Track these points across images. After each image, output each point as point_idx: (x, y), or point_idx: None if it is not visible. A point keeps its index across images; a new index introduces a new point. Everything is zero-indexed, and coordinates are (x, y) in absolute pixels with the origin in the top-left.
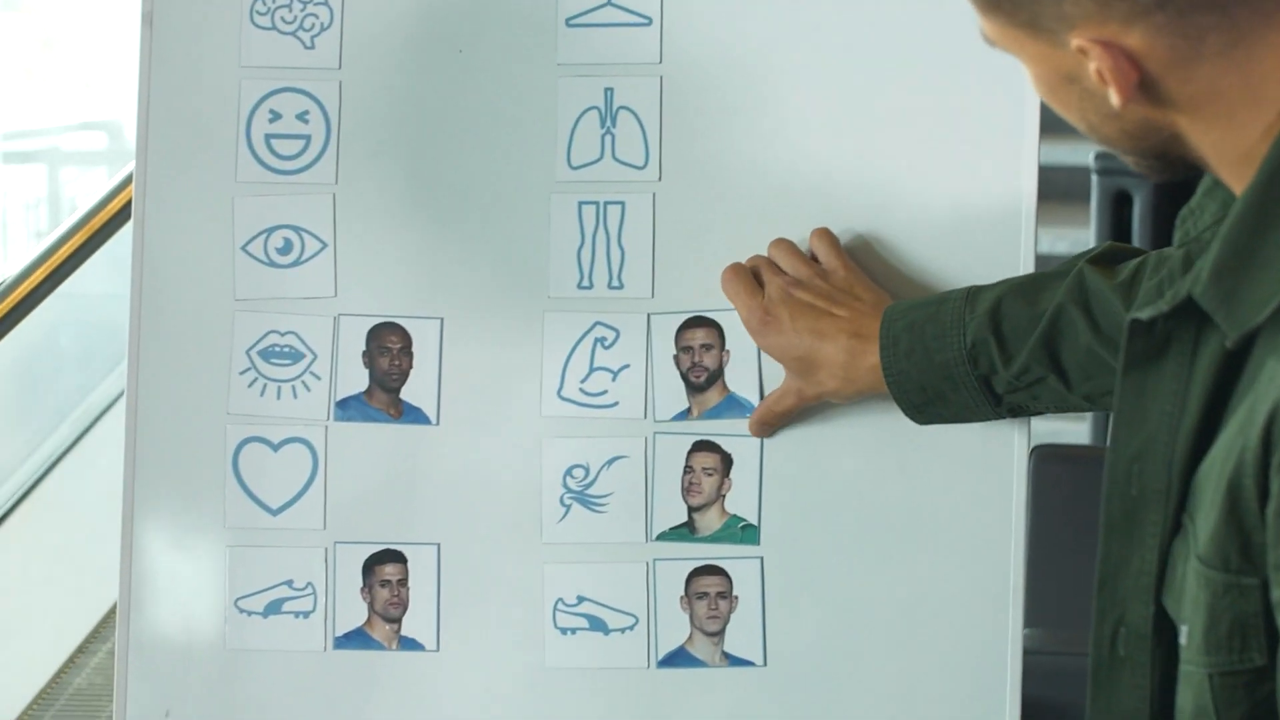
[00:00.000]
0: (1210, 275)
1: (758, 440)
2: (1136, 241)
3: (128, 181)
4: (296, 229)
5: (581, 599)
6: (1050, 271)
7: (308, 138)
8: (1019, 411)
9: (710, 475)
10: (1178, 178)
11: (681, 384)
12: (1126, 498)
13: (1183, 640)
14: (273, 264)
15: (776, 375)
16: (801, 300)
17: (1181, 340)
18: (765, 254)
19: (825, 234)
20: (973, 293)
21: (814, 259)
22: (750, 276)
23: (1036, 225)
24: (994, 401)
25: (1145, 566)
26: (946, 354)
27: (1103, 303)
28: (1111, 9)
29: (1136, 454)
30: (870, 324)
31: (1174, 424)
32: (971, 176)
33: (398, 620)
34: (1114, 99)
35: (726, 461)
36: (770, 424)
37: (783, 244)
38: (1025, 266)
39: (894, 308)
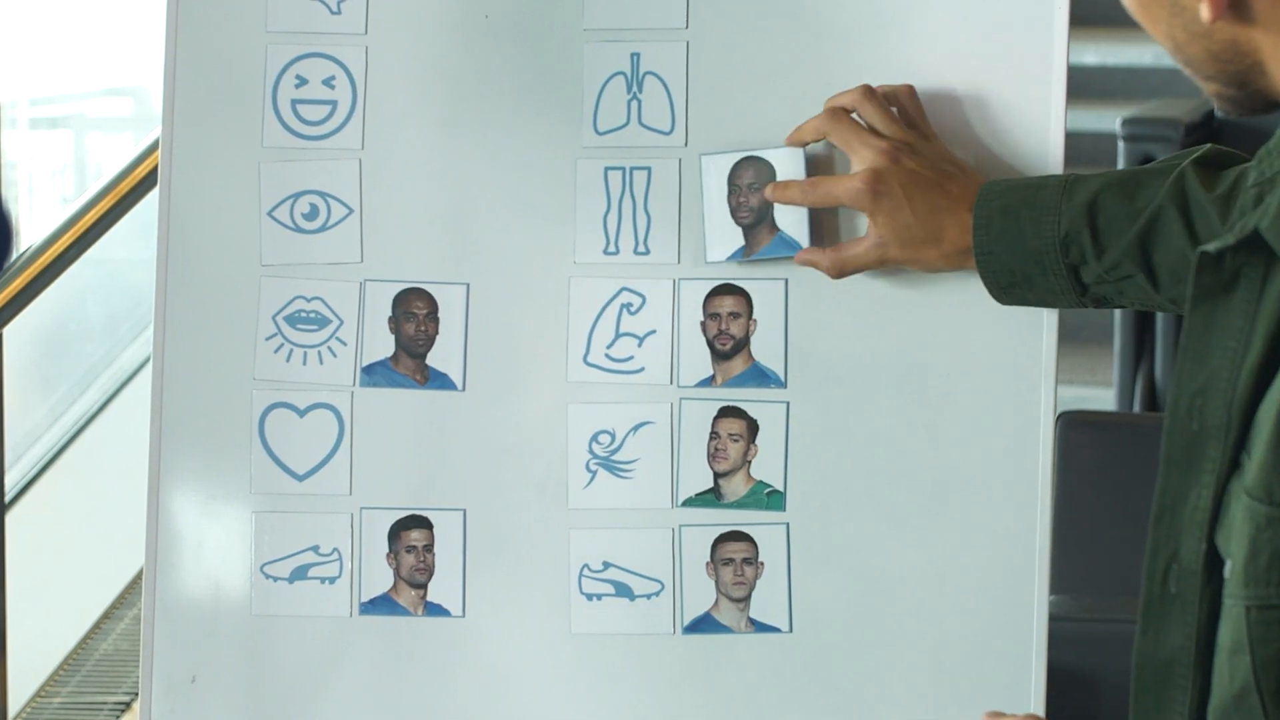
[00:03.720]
0: (1277, 209)
1: (783, 406)
2: None
3: (154, 147)
4: (322, 194)
5: (607, 565)
6: (1150, 167)
7: (334, 103)
8: (1103, 303)
9: (736, 441)
10: (1255, 114)
11: (706, 351)
12: (1187, 433)
13: (1226, 574)
14: (299, 229)
15: (801, 346)
16: (909, 167)
17: (1250, 277)
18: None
19: (914, 94)
20: (1070, 182)
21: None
22: (863, 128)
23: None
24: (1079, 291)
25: (1201, 503)
26: (1039, 240)
27: (1201, 212)
28: None
29: (1200, 389)
30: (974, 199)
31: (1237, 360)
32: (1000, 142)
33: (424, 586)
34: (1205, 13)
35: (752, 428)
36: (846, 273)
37: (873, 100)
38: None
39: (989, 188)
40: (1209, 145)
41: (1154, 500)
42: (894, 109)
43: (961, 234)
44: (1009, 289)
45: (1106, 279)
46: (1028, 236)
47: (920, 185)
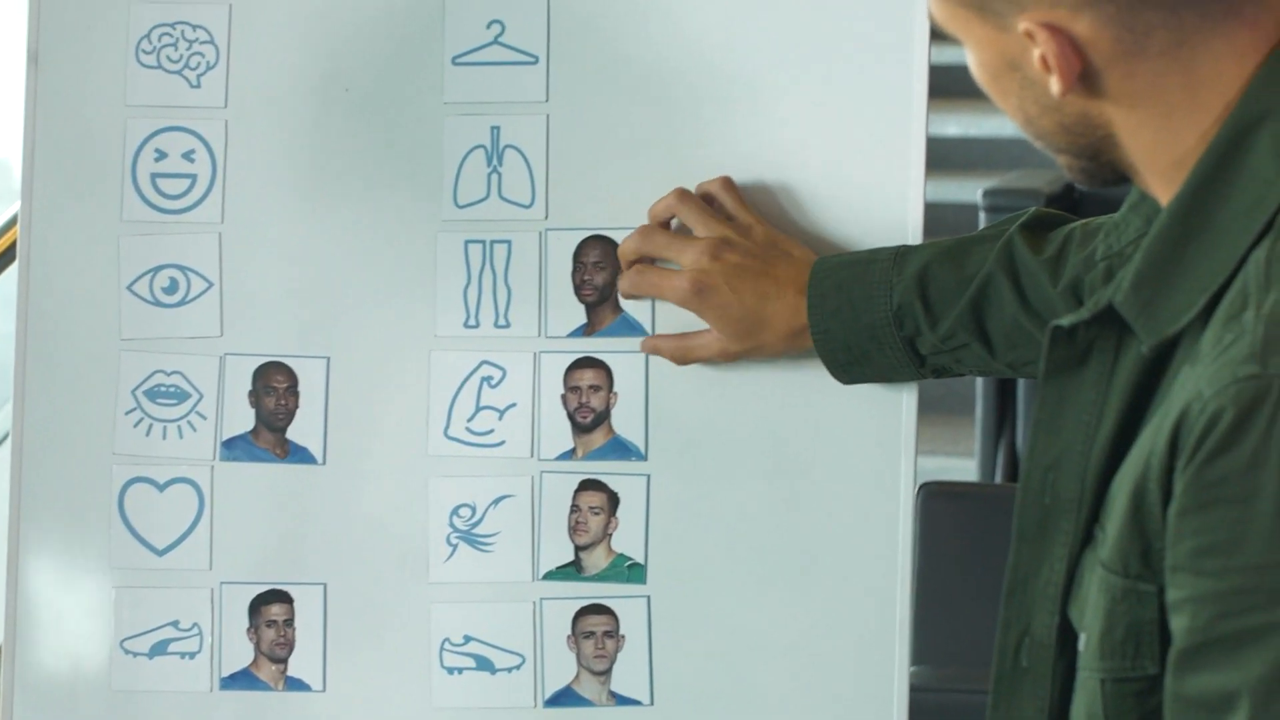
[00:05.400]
0: (1131, 283)
1: (644, 479)
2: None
3: (13, 221)
4: (182, 268)
5: (468, 638)
6: (978, 235)
7: (194, 176)
8: (943, 373)
9: (597, 514)
10: (1106, 185)
11: (567, 423)
12: (1040, 506)
13: (1081, 647)
14: (158, 303)
15: (662, 419)
16: (733, 261)
17: (1103, 350)
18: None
19: (731, 185)
20: (900, 254)
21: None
22: (678, 235)
23: None
24: (918, 363)
25: (1053, 576)
26: (873, 315)
27: (1030, 276)
28: None
29: (1053, 462)
30: (805, 279)
31: (1090, 433)
32: (860, 214)
33: (284, 660)
34: (1055, 87)
35: (613, 500)
36: (688, 363)
37: (689, 201)
38: None
39: (821, 265)
40: (1034, 209)
41: (1006, 574)
42: (723, 203)
43: (794, 315)
44: (848, 366)
45: (942, 348)
46: (861, 312)
47: (746, 275)
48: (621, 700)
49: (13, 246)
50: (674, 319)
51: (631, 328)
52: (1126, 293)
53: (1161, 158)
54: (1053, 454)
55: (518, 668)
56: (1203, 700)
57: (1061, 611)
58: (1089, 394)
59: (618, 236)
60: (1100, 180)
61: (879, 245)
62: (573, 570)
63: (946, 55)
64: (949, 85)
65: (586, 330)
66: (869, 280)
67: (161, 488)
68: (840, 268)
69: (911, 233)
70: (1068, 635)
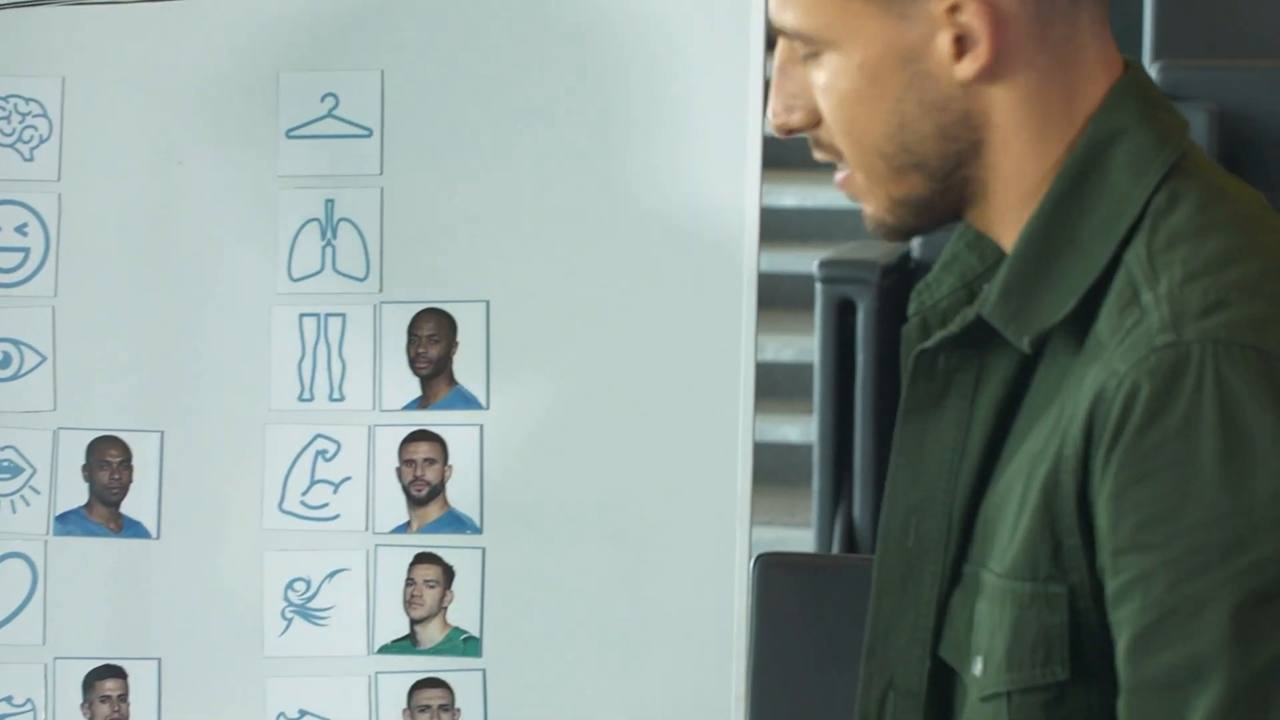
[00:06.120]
0: (999, 294)
1: (479, 552)
2: (860, 349)
3: None
4: (15, 342)
5: (304, 713)
6: None
7: (26, 250)
8: None
9: (432, 588)
10: (931, 229)
11: (402, 497)
12: (903, 551)
13: (976, 671)
14: None
15: (497, 492)
16: None
17: (963, 383)
18: None
19: None
20: None
21: None
22: None
23: (758, 333)
24: None
25: (921, 620)
26: None
27: None
28: None
29: (915, 505)
30: None
31: (954, 469)
32: (693, 285)
33: None
34: (967, 68)
35: (448, 574)
36: None
37: None
38: (745, 374)
39: None
40: None
41: (866, 632)
42: None
43: None
44: None
45: None
46: None
47: None
48: None
49: None
50: (511, 396)
51: (466, 400)
52: (995, 304)
53: (1029, 173)
54: (915, 496)
55: None
56: (1169, 679)
57: (933, 655)
58: (950, 430)
59: (452, 309)
60: (930, 219)
61: (713, 317)
62: (408, 644)
63: None
64: (786, 156)
65: (421, 403)
66: None
67: None
68: None
69: (746, 304)
70: (939, 678)
